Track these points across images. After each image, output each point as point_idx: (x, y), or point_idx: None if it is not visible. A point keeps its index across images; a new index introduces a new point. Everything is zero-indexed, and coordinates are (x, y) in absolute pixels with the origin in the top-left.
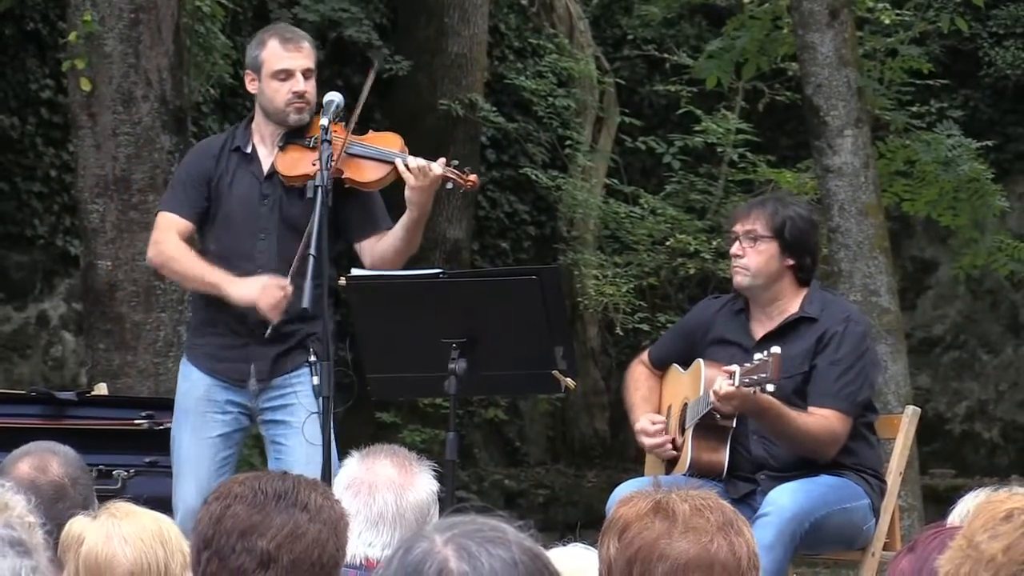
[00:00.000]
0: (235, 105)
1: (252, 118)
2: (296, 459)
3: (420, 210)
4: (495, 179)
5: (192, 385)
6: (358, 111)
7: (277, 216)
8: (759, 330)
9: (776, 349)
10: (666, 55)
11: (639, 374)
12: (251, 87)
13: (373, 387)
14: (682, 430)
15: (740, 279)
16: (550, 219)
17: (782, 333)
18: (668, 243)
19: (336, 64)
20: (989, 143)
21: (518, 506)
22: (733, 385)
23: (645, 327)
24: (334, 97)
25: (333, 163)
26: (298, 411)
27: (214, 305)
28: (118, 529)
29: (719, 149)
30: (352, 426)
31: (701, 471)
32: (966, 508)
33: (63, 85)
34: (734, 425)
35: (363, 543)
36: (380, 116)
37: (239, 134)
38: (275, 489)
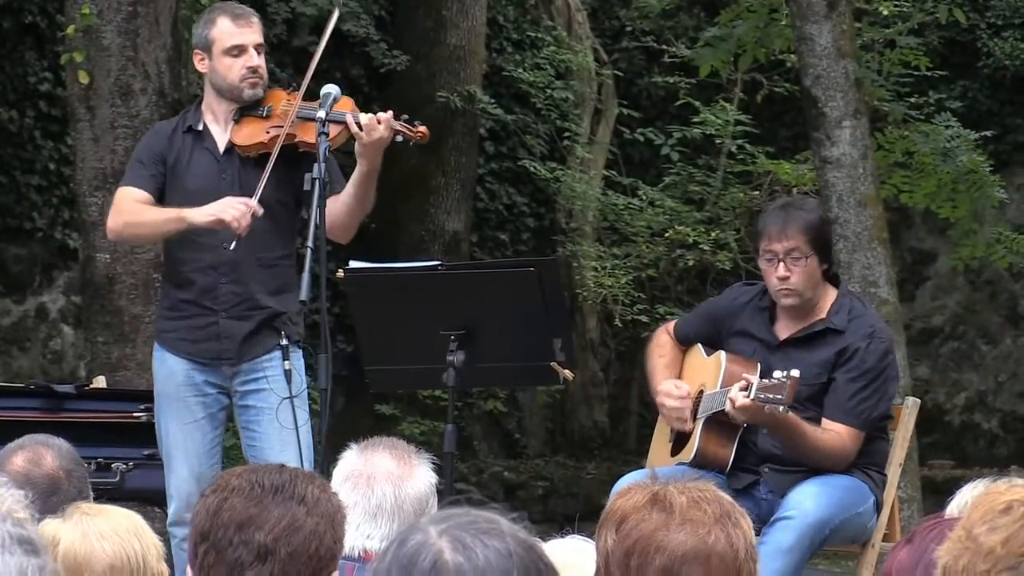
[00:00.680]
0: None
1: (202, 99)
2: (270, 445)
3: (370, 164)
4: (494, 171)
5: (170, 371)
6: (310, 72)
7: (238, 189)
8: (784, 331)
9: (795, 373)
10: (664, 47)
11: (665, 341)
12: (201, 67)
13: (372, 379)
14: (694, 417)
15: (791, 300)
16: (549, 211)
17: (807, 340)
18: (667, 234)
19: (334, 57)
20: (987, 134)
21: (518, 498)
22: (748, 398)
23: (644, 318)
24: (331, 89)
25: (284, 129)
26: (270, 396)
27: (183, 287)
28: (93, 526)
29: (718, 140)
30: (351, 418)
31: (706, 463)
32: (964, 499)
33: (61, 78)
34: (745, 424)
35: (361, 535)
36: (378, 108)
37: (190, 115)
38: (272, 482)
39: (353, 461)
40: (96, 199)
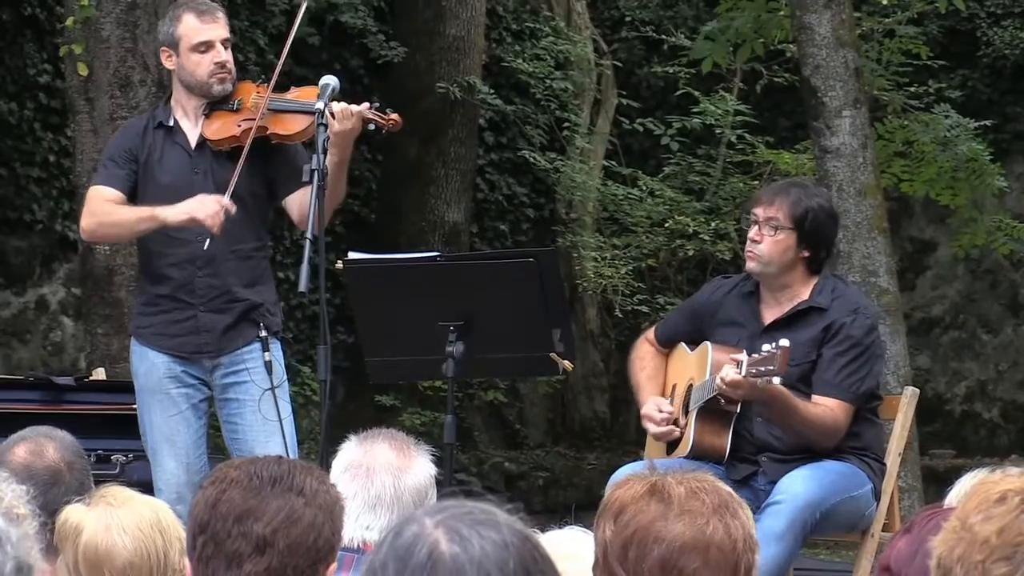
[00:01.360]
0: None
1: (171, 95)
2: (254, 437)
3: (341, 154)
4: (493, 161)
5: (151, 365)
6: (281, 63)
7: (211, 184)
8: (768, 315)
9: (784, 342)
10: (664, 36)
11: (645, 352)
12: (168, 64)
13: (371, 370)
14: (685, 411)
15: (753, 265)
16: (548, 201)
17: (791, 321)
18: (667, 225)
19: (334, 48)
20: (987, 123)
21: (518, 488)
22: (740, 374)
23: (644, 309)
24: (330, 80)
25: (256, 122)
26: (251, 388)
27: (159, 282)
28: (116, 519)
29: (717, 130)
30: (352, 409)
31: (703, 454)
32: (964, 489)
33: (61, 70)
34: (738, 410)
35: (360, 526)
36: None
37: (160, 112)
38: (271, 474)
39: (352, 452)
40: None
